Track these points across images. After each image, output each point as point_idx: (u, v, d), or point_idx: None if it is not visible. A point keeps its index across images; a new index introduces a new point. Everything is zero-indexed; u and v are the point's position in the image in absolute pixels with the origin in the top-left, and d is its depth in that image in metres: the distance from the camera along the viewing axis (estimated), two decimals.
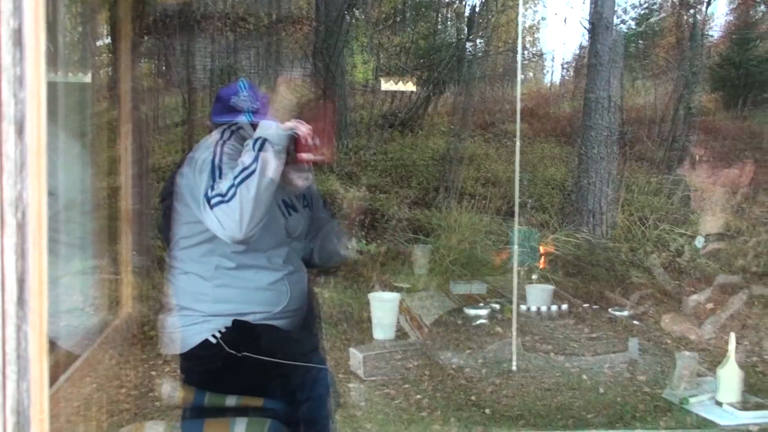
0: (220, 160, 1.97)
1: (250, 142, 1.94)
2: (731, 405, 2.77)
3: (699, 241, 3.20)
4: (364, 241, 7.87)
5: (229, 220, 1.85)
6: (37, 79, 0.75)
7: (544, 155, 11.80)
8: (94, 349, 2.44)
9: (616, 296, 6.62)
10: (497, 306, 5.80)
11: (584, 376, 4.76)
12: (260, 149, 1.91)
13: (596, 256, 8.09)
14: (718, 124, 12.96)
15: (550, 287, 6.08)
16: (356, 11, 12.59)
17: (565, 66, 17.27)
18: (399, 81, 12.25)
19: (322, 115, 2.25)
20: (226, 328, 2.04)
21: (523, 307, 5.63)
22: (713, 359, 4.12)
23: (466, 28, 13.27)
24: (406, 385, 4.67)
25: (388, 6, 14.23)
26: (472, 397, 4.50)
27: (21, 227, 0.74)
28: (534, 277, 6.50)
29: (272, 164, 1.90)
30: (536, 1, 17.38)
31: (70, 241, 2.33)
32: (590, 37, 9.53)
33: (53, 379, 2.09)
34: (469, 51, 13.24)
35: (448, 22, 15.24)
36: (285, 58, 12.78)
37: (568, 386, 4.64)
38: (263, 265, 2.09)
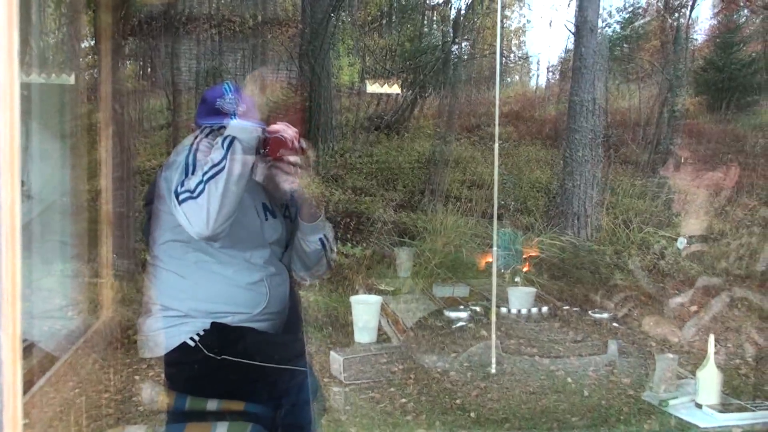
0: (194, 156, 1.98)
1: (219, 139, 1.95)
2: (711, 407, 2.78)
3: (680, 242, 3.21)
4: (349, 244, 7.86)
5: (196, 217, 1.86)
6: (10, 79, 0.74)
7: (529, 158, 11.84)
8: (75, 353, 2.42)
9: (599, 299, 6.64)
10: (478, 309, 5.81)
11: (569, 379, 4.78)
12: (229, 147, 1.91)
13: (581, 258, 8.13)
14: (702, 127, 13.06)
15: (533, 290, 6.11)
16: (342, 13, 12.58)
17: (551, 69, 17.33)
18: (385, 83, 12.25)
19: (291, 113, 2.26)
20: (205, 330, 2.03)
21: (505, 310, 5.64)
22: (696, 362, 4.14)
23: (452, 31, 13.32)
24: (391, 389, 4.67)
25: (374, 8, 14.24)
26: (457, 401, 4.51)
27: None
28: (517, 279, 6.52)
29: (240, 162, 1.91)
30: (521, 4, 17.45)
31: (51, 244, 2.32)
32: (575, 41, 9.57)
33: (32, 383, 2.07)
34: (455, 54, 13.28)
35: (434, 25, 15.27)
36: (271, 60, 12.75)
37: (553, 389, 4.65)
38: (243, 264, 2.08)
